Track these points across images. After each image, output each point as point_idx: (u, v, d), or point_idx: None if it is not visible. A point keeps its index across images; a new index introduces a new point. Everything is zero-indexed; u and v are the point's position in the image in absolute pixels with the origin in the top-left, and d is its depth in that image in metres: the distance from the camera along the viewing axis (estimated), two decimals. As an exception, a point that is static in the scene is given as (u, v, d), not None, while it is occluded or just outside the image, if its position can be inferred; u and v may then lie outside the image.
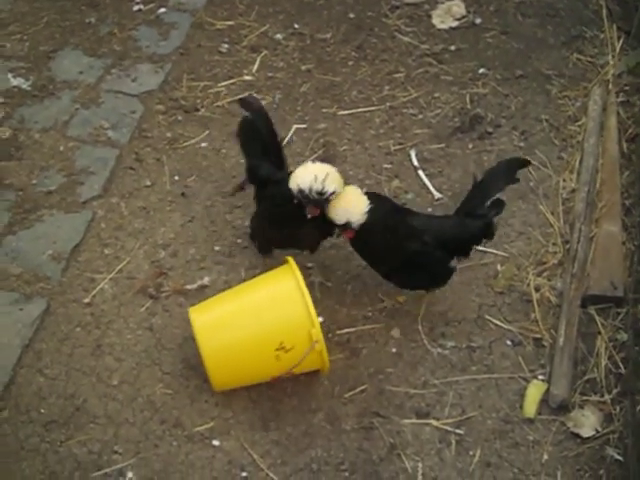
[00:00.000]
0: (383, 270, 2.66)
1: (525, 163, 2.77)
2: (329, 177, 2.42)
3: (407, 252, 2.54)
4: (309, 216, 2.46)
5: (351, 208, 2.46)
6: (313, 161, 2.59)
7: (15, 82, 3.51)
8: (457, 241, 2.62)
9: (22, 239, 2.92)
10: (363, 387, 2.57)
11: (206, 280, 2.82)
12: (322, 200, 2.42)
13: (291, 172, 2.51)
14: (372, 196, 2.52)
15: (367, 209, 2.46)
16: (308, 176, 2.42)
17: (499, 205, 2.62)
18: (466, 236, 2.62)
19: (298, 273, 2.40)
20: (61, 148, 3.24)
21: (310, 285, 2.62)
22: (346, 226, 2.48)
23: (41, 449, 2.38)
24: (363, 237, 2.52)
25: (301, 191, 2.41)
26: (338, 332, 2.69)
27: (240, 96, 3.27)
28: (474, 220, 2.60)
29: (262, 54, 3.70)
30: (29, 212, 3.01)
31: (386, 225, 2.51)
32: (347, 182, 3.12)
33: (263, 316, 2.42)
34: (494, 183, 2.63)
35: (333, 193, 2.42)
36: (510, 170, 2.68)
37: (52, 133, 3.30)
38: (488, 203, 2.60)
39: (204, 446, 2.42)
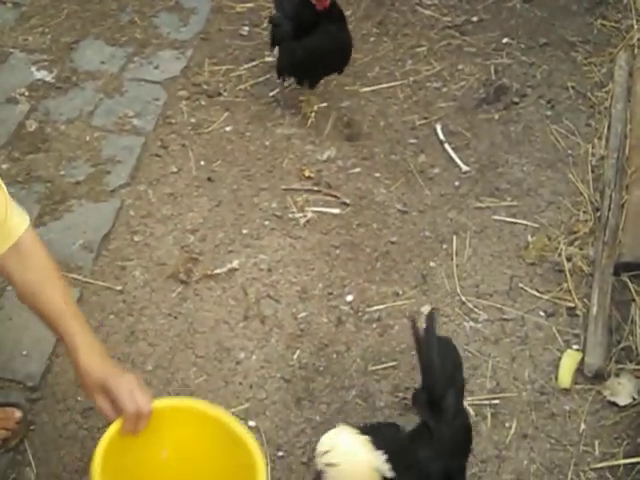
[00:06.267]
0: None
1: None
2: None
3: None
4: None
5: None
6: None
7: (39, 75, 3.52)
8: None
9: (52, 230, 2.95)
10: (395, 363, 2.56)
11: (235, 263, 2.83)
12: None
13: None
14: None
15: None
16: None
17: None
18: None
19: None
20: (87, 138, 3.26)
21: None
22: None
23: (79, 436, 2.41)
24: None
25: None
26: (368, 309, 2.69)
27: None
28: None
29: (283, 35, 3.69)
30: (58, 203, 3.03)
31: None
32: (373, 160, 3.15)
33: None
34: None
35: None
36: None
37: (77, 124, 3.31)
38: None
39: (240, 427, 2.43)
